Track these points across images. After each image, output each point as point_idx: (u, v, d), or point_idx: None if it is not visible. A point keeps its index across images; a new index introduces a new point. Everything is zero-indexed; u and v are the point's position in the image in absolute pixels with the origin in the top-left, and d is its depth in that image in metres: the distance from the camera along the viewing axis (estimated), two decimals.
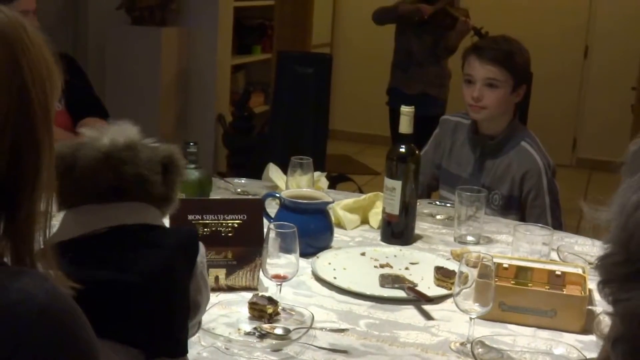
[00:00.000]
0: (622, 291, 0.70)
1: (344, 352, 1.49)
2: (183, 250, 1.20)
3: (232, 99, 5.02)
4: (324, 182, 2.44)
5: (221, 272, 1.71)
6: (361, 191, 4.14)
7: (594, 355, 1.49)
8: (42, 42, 0.92)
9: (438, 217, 2.34)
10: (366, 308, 1.70)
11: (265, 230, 1.68)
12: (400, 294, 1.76)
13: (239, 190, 2.48)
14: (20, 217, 0.89)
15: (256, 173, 2.59)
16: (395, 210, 2.07)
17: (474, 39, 3.97)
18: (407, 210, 2.08)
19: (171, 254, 1.17)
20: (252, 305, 1.59)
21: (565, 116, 6.49)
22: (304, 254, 1.80)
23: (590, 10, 6.40)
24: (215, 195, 2.29)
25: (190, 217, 1.71)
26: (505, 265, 1.79)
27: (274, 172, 2.46)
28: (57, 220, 1.18)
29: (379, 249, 2.03)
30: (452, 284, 1.65)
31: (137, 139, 1.22)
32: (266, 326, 1.54)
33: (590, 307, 1.68)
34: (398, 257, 1.98)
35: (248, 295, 1.64)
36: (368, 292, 1.75)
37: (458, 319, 1.62)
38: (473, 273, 1.50)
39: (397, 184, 2.06)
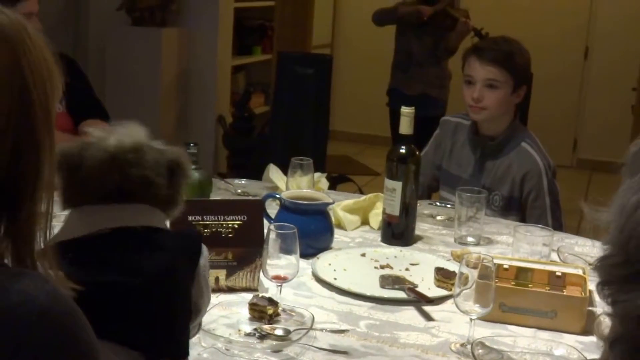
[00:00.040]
0: (621, 292, 0.71)
1: (344, 353, 1.49)
2: (186, 253, 1.20)
3: (233, 100, 5.02)
4: (324, 183, 2.44)
5: (221, 273, 1.71)
6: (361, 192, 4.14)
7: (595, 356, 1.49)
8: (43, 44, 0.92)
9: (438, 218, 2.34)
10: (366, 309, 1.70)
11: (265, 231, 1.68)
12: (400, 295, 1.76)
13: (239, 191, 2.48)
14: (21, 218, 0.89)
15: (256, 174, 2.59)
16: (395, 211, 2.07)
17: (474, 40, 3.97)
18: (408, 211, 2.08)
19: (174, 256, 1.17)
20: (253, 306, 1.59)
21: (565, 117, 6.49)
22: (304, 255, 1.80)
23: (591, 11, 6.40)
24: (215, 196, 2.29)
25: (190, 218, 1.71)
26: (505, 266, 1.79)
27: (274, 173, 2.46)
28: (57, 221, 1.18)
29: (379, 250, 2.03)
30: (453, 284, 1.65)
31: (144, 141, 1.22)
32: (266, 327, 1.54)
33: (590, 308, 1.68)
34: (398, 258, 1.98)
35: (248, 296, 1.64)
36: (368, 293, 1.75)
37: (458, 320, 1.62)
38: (473, 274, 1.50)
39: (398, 185, 2.06)
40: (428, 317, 1.67)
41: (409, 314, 1.68)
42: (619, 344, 0.72)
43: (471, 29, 4.40)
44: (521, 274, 1.78)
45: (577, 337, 1.60)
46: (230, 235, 1.73)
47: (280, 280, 1.62)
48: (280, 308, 1.60)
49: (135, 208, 1.18)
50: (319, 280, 1.82)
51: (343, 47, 6.91)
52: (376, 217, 2.21)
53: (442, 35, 4.42)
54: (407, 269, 1.91)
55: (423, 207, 2.35)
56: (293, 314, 1.61)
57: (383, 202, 2.12)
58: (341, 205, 2.22)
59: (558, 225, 2.37)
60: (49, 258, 0.92)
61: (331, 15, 6.94)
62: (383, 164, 2.12)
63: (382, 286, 1.79)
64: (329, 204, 2.03)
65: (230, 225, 1.74)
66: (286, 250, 1.61)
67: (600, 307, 1.68)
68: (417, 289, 1.77)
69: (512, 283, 1.75)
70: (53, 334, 0.83)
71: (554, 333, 1.62)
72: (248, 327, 1.56)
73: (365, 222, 2.25)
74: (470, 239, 2.12)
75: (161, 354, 1.15)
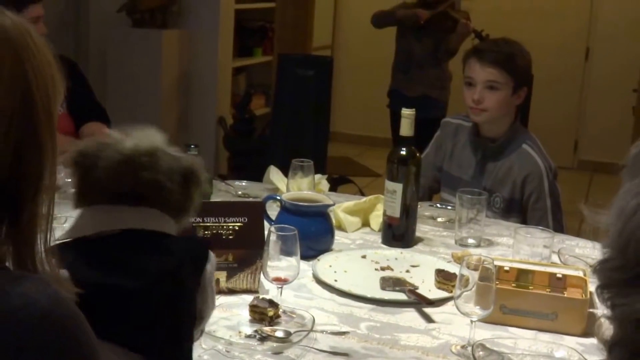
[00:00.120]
0: (620, 296, 0.71)
1: (344, 354, 1.49)
2: (192, 258, 1.20)
3: (233, 102, 5.03)
4: (324, 185, 2.44)
5: (222, 275, 1.71)
6: (362, 193, 4.14)
7: (595, 358, 1.49)
8: (46, 48, 0.93)
9: (439, 219, 2.34)
10: (367, 311, 1.70)
11: (266, 232, 1.68)
12: (401, 296, 1.76)
13: (239, 192, 2.48)
14: (22, 220, 0.90)
15: (257, 175, 2.59)
16: (396, 212, 2.08)
17: (475, 42, 3.97)
18: (408, 212, 2.08)
19: (179, 261, 1.17)
20: (253, 308, 1.59)
21: (566, 118, 6.48)
22: (305, 257, 1.80)
23: (592, 12, 6.40)
24: (216, 197, 2.29)
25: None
26: (506, 268, 1.79)
27: (274, 174, 2.46)
28: (57, 223, 1.19)
29: (379, 252, 2.03)
30: (453, 286, 1.65)
31: (160, 146, 1.22)
32: (267, 329, 1.54)
33: (591, 310, 1.68)
34: (399, 259, 1.98)
35: (249, 298, 1.64)
36: (369, 295, 1.75)
37: (459, 322, 1.62)
38: (474, 276, 1.50)
39: (398, 187, 2.06)
40: (428, 319, 1.67)
41: (409, 316, 1.68)
42: (618, 347, 0.72)
43: (472, 31, 4.40)
44: (522, 276, 1.78)
45: (577, 339, 1.60)
46: (230, 237, 1.73)
47: (281, 282, 1.62)
48: (280, 310, 1.60)
49: (145, 212, 1.19)
50: (320, 282, 1.82)
51: (343, 49, 6.91)
52: (377, 219, 2.21)
53: (442, 36, 4.42)
54: (407, 271, 1.91)
55: (424, 209, 2.35)
56: (293, 315, 1.62)
57: (384, 204, 2.12)
58: (342, 207, 2.22)
59: (559, 227, 2.37)
60: (51, 259, 0.93)
61: (332, 17, 6.94)
62: (384, 165, 2.12)
63: (383, 288, 1.79)
64: (329, 205, 2.03)
65: (230, 227, 1.75)
66: (287, 252, 1.61)
67: (601, 309, 1.68)
68: (417, 290, 1.77)
69: (513, 285, 1.75)
70: (54, 337, 0.83)
71: (554, 335, 1.62)
72: (248, 329, 1.56)
73: (365, 223, 2.25)
74: (470, 241, 2.12)
75: (163, 358, 1.15)
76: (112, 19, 4.54)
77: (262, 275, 1.69)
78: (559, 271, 1.79)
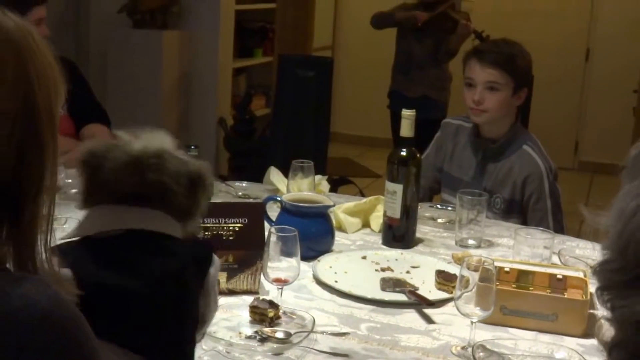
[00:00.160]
0: (620, 298, 0.71)
1: (345, 355, 1.49)
2: (196, 260, 1.20)
3: (234, 102, 5.03)
4: (325, 186, 2.44)
5: (222, 276, 1.71)
6: (362, 194, 4.14)
7: (595, 359, 1.49)
8: (48, 49, 0.94)
9: (439, 220, 2.34)
10: (367, 312, 1.70)
11: (266, 233, 1.68)
12: (401, 297, 1.76)
13: (240, 193, 2.48)
14: (23, 221, 0.90)
15: (257, 176, 2.60)
16: (396, 213, 2.08)
17: (475, 42, 3.97)
18: (408, 213, 2.09)
19: (183, 263, 1.17)
20: (253, 309, 1.59)
21: (567, 119, 6.48)
22: (305, 258, 1.80)
23: (592, 13, 6.40)
24: (216, 198, 2.29)
25: None
26: (506, 269, 1.79)
27: (275, 175, 2.46)
28: (58, 224, 1.19)
29: (380, 253, 2.03)
30: (453, 287, 1.65)
31: (168, 149, 1.22)
32: (267, 330, 1.54)
33: (591, 311, 1.68)
34: (399, 260, 1.99)
35: (249, 299, 1.64)
36: (369, 296, 1.75)
37: (459, 323, 1.62)
38: (474, 277, 1.50)
39: (398, 188, 2.06)
40: (429, 319, 1.67)
41: (409, 317, 1.68)
42: (618, 349, 0.72)
43: (472, 32, 4.40)
44: (522, 277, 1.78)
45: (578, 340, 1.60)
46: (231, 238, 1.73)
47: (281, 282, 1.63)
48: (281, 311, 1.60)
49: (151, 213, 1.19)
50: (320, 282, 1.82)
51: (344, 50, 6.91)
52: (377, 220, 2.21)
53: (442, 37, 4.42)
54: (407, 272, 1.91)
55: (424, 210, 2.35)
56: (294, 316, 1.62)
57: (384, 205, 2.12)
58: (342, 208, 2.22)
59: (559, 228, 2.37)
60: (52, 260, 0.93)
61: (332, 17, 6.94)
62: (384, 166, 2.12)
63: (383, 289, 1.79)
64: (329, 206, 2.03)
65: (231, 227, 1.75)
66: (287, 252, 1.61)
67: (601, 310, 1.68)
68: (417, 291, 1.77)
69: (513, 286, 1.75)
70: (55, 338, 0.83)
71: (554, 336, 1.62)
72: (249, 330, 1.56)
73: (366, 224, 2.25)
74: (471, 242, 2.12)
75: None
76: (112, 19, 4.55)
77: (262, 276, 1.69)
78: (560, 272, 1.79)
